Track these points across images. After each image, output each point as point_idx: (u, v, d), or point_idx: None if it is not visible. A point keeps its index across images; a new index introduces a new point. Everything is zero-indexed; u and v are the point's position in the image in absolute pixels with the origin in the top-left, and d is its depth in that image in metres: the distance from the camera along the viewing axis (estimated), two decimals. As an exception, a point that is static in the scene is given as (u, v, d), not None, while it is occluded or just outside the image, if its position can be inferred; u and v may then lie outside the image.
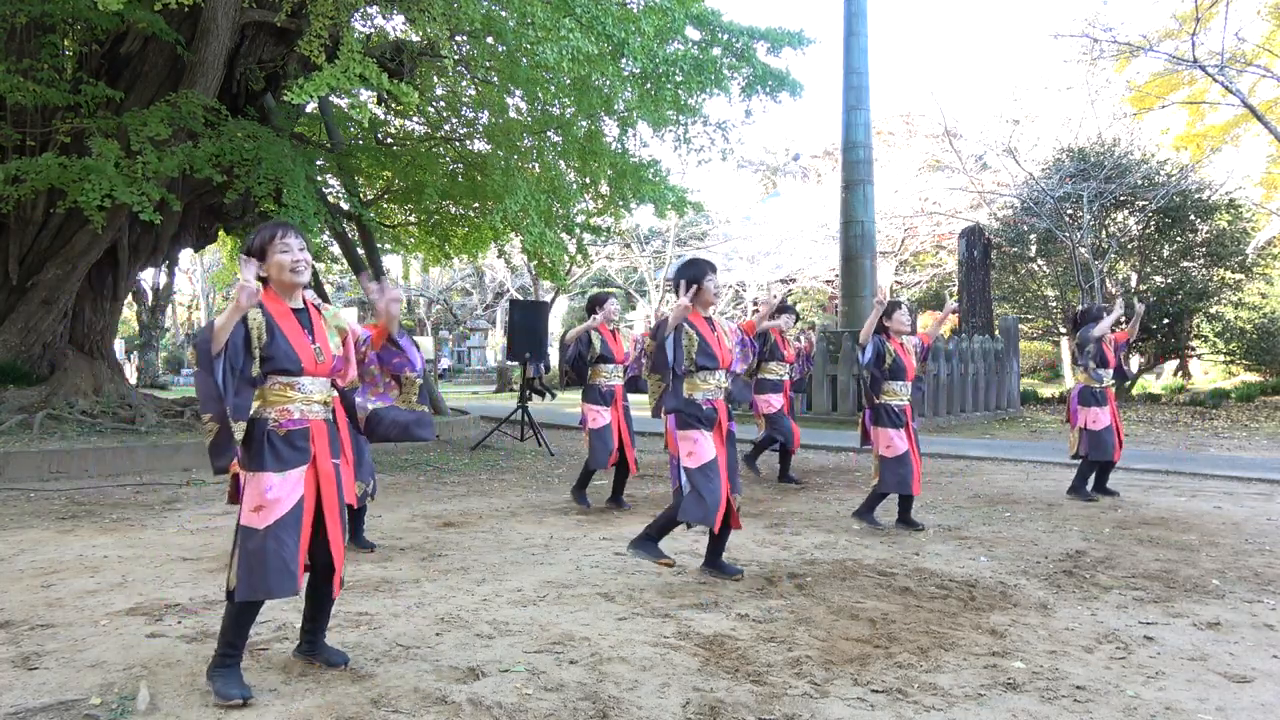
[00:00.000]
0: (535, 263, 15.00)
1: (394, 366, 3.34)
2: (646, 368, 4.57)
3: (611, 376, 6.61)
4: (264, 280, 3.06)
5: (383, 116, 12.95)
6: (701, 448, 4.41)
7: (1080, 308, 7.47)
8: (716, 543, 4.64)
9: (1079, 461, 7.08)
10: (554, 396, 19.36)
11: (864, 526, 5.87)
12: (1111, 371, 7.06)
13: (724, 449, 4.48)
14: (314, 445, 3.07)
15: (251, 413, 2.97)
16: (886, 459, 5.76)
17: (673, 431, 4.49)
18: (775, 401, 7.85)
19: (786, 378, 7.98)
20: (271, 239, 3.05)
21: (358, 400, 3.33)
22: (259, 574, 2.92)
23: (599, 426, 6.52)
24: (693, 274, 4.45)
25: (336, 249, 14.98)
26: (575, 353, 6.60)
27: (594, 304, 6.82)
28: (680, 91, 9.93)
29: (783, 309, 8.12)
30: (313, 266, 3.25)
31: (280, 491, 2.97)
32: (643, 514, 6.25)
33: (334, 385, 3.23)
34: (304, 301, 3.16)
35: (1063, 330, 19.30)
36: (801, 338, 8.52)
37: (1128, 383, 7.51)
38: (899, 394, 5.76)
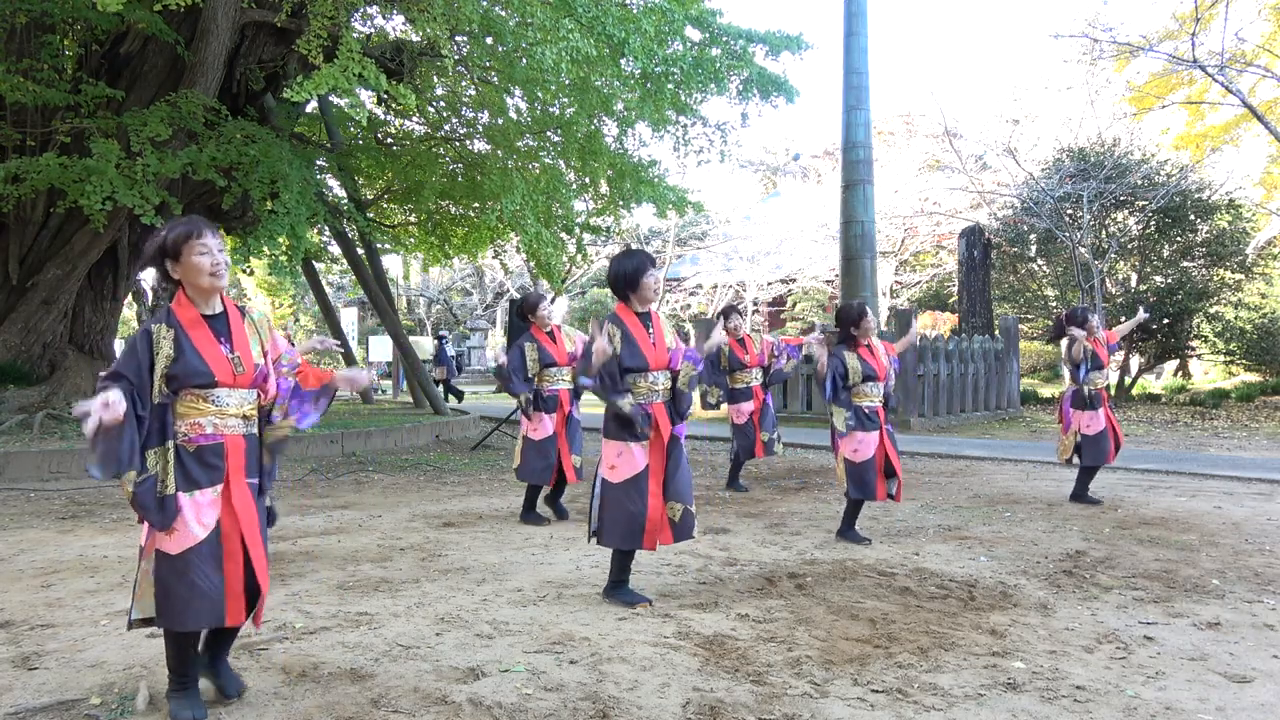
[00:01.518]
0: (533, 263, 15.00)
1: (300, 412, 3.02)
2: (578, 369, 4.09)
3: (555, 381, 6.17)
4: (176, 283, 2.82)
5: (382, 116, 12.95)
6: (626, 460, 4.04)
7: (1064, 311, 7.19)
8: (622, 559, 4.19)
9: (1077, 464, 7.06)
10: (460, 398, 19.49)
11: (849, 545, 5.44)
12: (1105, 372, 7.00)
13: (662, 458, 4.08)
14: (228, 463, 2.81)
15: None
16: (850, 463, 5.45)
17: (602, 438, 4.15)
18: (745, 411, 7.64)
19: (756, 383, 7.69)
20: (187, 238, 2.74)
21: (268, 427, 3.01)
22: (178, 603, 2.72)
23: (539, 438, 6.10)
24: (631, 267, 4.04)
25: (336, 249, 14.98)
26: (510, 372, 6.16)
27: (524, 310, 6.29)
28: (680, 91, 9.91)
29: (725, 314, 7.62)
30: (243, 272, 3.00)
31: (190, 513, 2.74)
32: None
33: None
34: (222, 304, 2.87)
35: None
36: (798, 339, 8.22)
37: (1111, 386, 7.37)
38: (870, 395, 5.50)
